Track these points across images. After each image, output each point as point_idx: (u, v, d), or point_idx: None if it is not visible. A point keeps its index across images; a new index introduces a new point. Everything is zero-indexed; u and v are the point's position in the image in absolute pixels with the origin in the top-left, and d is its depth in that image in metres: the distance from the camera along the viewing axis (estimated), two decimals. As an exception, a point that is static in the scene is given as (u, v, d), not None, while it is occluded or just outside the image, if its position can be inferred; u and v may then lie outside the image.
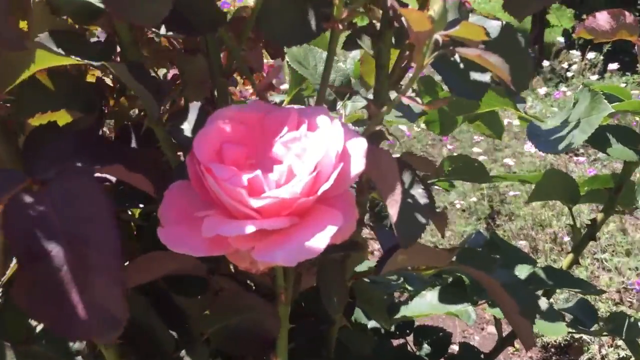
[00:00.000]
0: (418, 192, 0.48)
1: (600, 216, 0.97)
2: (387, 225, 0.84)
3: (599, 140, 0.87)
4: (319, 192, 0.39)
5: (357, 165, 0.42)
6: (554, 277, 0.96)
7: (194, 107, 0.55)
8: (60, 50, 0.44)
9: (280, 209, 0.40)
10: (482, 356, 1.09)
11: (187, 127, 0.53)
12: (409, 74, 0.50)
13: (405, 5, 0.41)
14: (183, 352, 0.53)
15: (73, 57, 0.43)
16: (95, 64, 0.43)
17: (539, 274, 0.96)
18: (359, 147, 0.42)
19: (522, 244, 2.23)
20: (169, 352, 0.53)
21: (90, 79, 0.58)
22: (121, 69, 0.42)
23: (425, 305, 0.93)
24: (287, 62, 0.73)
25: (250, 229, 0.38)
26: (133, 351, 0.54)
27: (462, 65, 0.54)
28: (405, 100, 0.42)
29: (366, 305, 0.80)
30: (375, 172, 0.45)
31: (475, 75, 0.54)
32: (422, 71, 0.42)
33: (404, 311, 0.94)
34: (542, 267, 0.99)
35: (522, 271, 0.96)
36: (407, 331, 1.06)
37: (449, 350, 1.12)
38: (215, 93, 0.55)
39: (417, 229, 0.46)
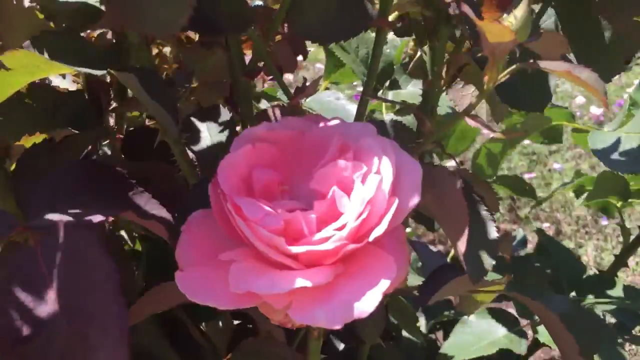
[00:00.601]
0: (482, 212, 0.41)
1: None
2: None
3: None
4: (370, 239, 0.32)
5: (412, 197, 0.35)
6: (603, 287, 0.89)
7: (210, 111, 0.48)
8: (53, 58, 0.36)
9: (323, 257, 0.33)
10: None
11: (204, 136, 0.46)
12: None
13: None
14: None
15: (69, 65, 0.36)
16: (97, 73, 0.36)
17: (588, 284, 0.88)
18: (413, 176, 0.35)
19: (546, 226, 2.15)
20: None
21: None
22: (131, 80, 0.34)
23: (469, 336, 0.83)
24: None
25: (288, 286, 0.31)
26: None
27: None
28: (471, 123, 0.35)
29: (397, 315, 0.74)
30: (432, 199, 0.38)
31: (535, 85, 0.46)
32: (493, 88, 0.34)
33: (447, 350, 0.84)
34: (590, 276, 0.92)
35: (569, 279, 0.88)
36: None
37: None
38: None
39: (488, 262, 0.39)
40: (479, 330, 0.83)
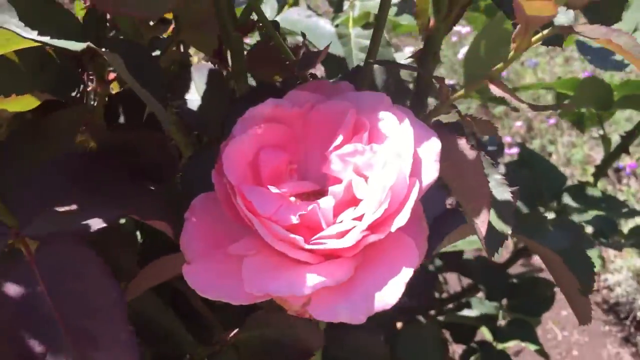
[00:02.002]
0: (496, 178, 0.39)
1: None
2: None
3: None
4: (393, 229, 0.30)
5: (430, 173, 0.32)
6: (584, 197, 0.90)
7: (199, 70, 0.44)
8: (25, 29, 0.32)
9: (342, 250, 0.31)
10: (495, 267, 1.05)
11: (194, 98, 0.42)
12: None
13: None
14: None
15: (45, 38, 0.32)
16: (76, 48, 0.32)
17: (569, 195, 0.89)
18: (431, 149, 0.33)
19: (518, 125, 2.16)
20: (191, 355, 0.46)
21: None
22: (116, 60, 0.30)
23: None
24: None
25: (308, 288, 0.29)
26: (151, 352, 0.47)
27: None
28: (496, 91, 0.32)
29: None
30: (448, 169, 0.36)
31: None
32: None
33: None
34: (571, 187, 0.92)
35: (551, 191, 0.89)
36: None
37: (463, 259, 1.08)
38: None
39: (504, 232, 0.37)
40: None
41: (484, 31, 0.76)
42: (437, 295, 1.13)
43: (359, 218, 0.30)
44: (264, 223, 0.30)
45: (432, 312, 1.04)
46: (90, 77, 0.40)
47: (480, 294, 1.07)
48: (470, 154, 0.35)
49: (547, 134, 2.14)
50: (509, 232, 0.37)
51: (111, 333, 0.26)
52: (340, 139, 0.32)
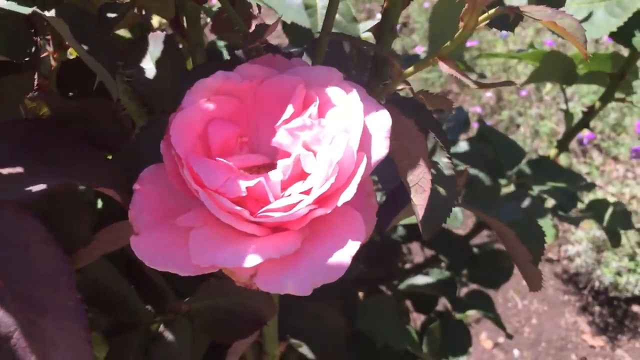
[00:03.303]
0: (443, 161, 0.39)
1: (598, 103, 0.91)
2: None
3: (622, 29, 0.75)
4: (339, 204, 0.31)
5: (380, 149, 0.33)
6: (544, 171, 0.91)
7: (155, 38, 0.43)
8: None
9: (289, 222, 0.31)
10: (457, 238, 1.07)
11: (149, 67, 0.42)
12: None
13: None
14: (162, 328, 0.46)
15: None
16: (24, 11, 0.31)
17: (529, 168, 0.91)
18: (381, 126, 0.33)
19: (488, 96, 2.18)
20: (145, 323, 0.47)
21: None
22: (63, 27, 0.30)
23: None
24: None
25: (254, 260, 0.29)
26: (104, 319, 0.48)
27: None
28: (446, 69, 0.32)
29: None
30: (397, 150, 0.36)
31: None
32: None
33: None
34: (531, 160, 0.94)
35: (510, 164, 0.90)
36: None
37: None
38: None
39: (444, 212, 0.38)
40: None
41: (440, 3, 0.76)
42: (400, 265, 1.15)
43: (307, 192, 0.31)
44: (211, 195, 0.30)
45: (395, 282, 1.06)
46: (47, 41, 0.40)
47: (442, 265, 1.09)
48: (418, 136, 0.36)
49: (516, 106, 2.16)
50: (451, 206, 0.38)
51: (58, 300, 0.26)
52: (289, 113, 0.32)
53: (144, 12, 0.55)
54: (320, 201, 0.31)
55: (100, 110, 0.40)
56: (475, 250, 1.08)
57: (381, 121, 0.33)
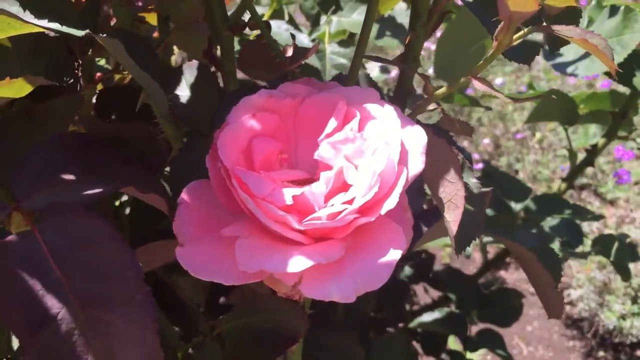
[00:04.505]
0: (472, 181, 0.41)
1: (601, 141, 0.93)
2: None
3: (623, 68, 0.78)
4: (382, 212, 0.32)
5: (416, 164, 0.34)
6: (550, 205, 0.92)
7: (190, 67, 0.45)
8: (26, 14, 0.33)
9: (333, 231, 0.32)
10: (466, 278, 1.07)
11: (183, 94, 0.44)
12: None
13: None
14: (191, 351, 0.46)
15: (46, 23, 0.33)
16: (77, 33, 0.33)
17: (534, 204, 0.92)
18: (418, 142, 0.34)
19: (486, 142, 2.21)
20: (175, 349, 0.47)
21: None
22: (117, 47, 0.31)
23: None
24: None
25: (301, 265, 0.30)
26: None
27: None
28: (478, 86, 0.34)
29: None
30: (428, 168, 0.37)
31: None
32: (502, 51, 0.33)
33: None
34: (537, 196, 0.95)
35: (517, 205, 0.92)
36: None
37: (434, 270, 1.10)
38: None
39: (475, 229, 0.39)
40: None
41: (451, 30, 0.79)
42: (407, 307, 1.15)
43: (350, 202, 0.32)
44: (259, 204, 0.31)
45: (401, 324, 1.06)
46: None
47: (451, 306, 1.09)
48: (451, 155, 0.37)
49: (513, 152, 2.20)
50: (482, 225, 0.39)
51: (124, 295, 0.27)
52: (331, 127, 0.34)
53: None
54: (363, 211, 0.32)
55: (139, 133, 0.41)
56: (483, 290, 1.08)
57: (417, 137, 0.34)
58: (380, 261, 0.32)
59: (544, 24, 0.32)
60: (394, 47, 0.87)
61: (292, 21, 0.92)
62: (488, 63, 0.34)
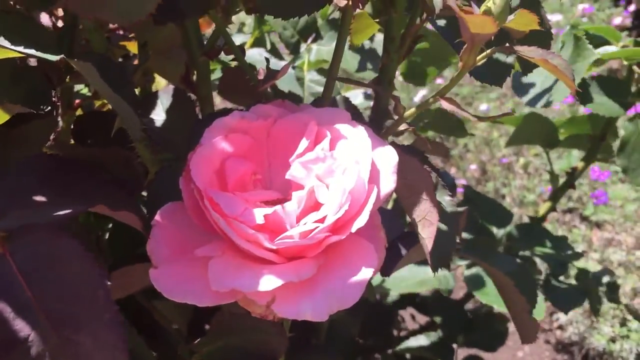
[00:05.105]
0: (445, 199, 0.41)
1: (581, 164, 0.94)
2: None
3: (580, 92, 0.82)
4: (353, 229, 0.32)
5: (388, 183, 0.35)
6: (533, 235, 0.93)
7: (166, 92, 0.46)
8: (3, 41, 0.34)
9: (305, 249, 0.33)
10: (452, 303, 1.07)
11: (159, 119, 0.44)
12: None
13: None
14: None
15: (22, 48, 0.33)
16: (52, 58, 0.34)
17: (517, 232, 0.92)
18: (388, 161, 0.35)
19: (473, 168, 2.23)
20: (153, 374, 0.47)
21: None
22: (90, 71, 0.32)
23: (406, 273, 0.87)
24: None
25: (273, 283, 0.30)
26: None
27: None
28: (447, 106, 0.34)
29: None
30: (402, 188, 0.38)
31: (496, 56, 0.46)
32: (467, 72, 0.34)
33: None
34: (519, 225, 0.95)
35: (499, 230, 0.92)
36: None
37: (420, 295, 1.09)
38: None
39: (449, 246, 0.40)
40: (414, 269, 0.87)
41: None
42: (394, 333, 1.14)
43: (321, 220, 0.32)
44: (231, 223, 0.32)
45: (390, 350, 1.06)
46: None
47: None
48: (424, 173, 0.38)
49: (500, 177, 2.21)
50: (453, 251, 0.39)
51: (93, 314, 0.27)
52: (302, 147, 0.34)
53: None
54: (334, 230, 0.33)
55: (116, 157, 0.41)
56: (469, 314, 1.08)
57: (388, 157, 0.35)
58: (353, 279, 0.32)
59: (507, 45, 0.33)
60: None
61: (275, 50, 0.93)
62: (455, 83, 0.34)
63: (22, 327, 0.27)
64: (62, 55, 0.34)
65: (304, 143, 0.34)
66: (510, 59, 0.47)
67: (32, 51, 0.34)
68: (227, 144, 0.34)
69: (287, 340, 0.44)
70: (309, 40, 0.86)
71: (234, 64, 0.69)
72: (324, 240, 0.32)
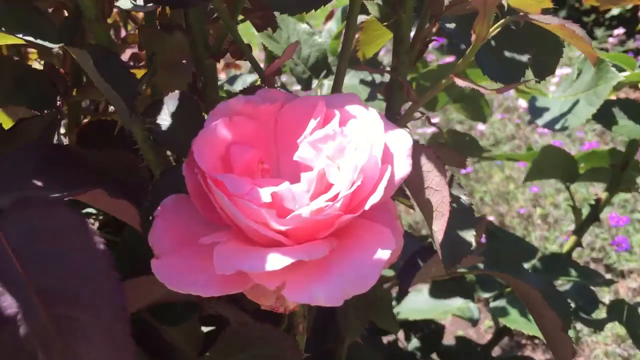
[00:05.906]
0: (460, 195, 0.39)
1: (604, 195, 0.91)
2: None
3: (604, 115, 0.80)
4: (367, 207, 0.30)
5: (403, 166, 0.33)
6: (559, 266, 0.89)
7: (172, 97, 0.45)
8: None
9: (316, 230, 0.30)
10: (478, 349, 1.03)
11: (165, 123, 0.43)
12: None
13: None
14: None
15: (22, 35, 0.32)
16: (50, 46, 0.33)
17: (542, 264, 0.89)
18: (403, 144, 0.33)
19: (492, 219, 2.19)
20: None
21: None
22: (84, 57, 0.31)
23: (423, 303, 0.85)
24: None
25: (282, 262, 0.28)
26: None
27: (493, 42, 0.44)
28: (460, 83, 0.33)
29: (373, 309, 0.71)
30: (414, 178, 0.36)
31: (511, 55, 0.45)
32: (482, 44, 0.33)
33: (401, 312, 0.86)
34: (545, 255, 0.92)
35: (524, 259, 0.89)
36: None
37: (444, 344, 1.05)
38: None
39: (464, 246, 0.37)
40: (431, 301, 0.85)
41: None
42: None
43: (333, 198, 0.30)
44: (236, 202, 0.30)
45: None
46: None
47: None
48: (437, 162, 0.36)
49: (519, 229, 2.17)
50: (468, 249, 0.37)
51: (91, 287, 0.25)
52: (311, 127, 0.33)
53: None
54: (347, 210, 0.31)
55: (120, 161, 0.40)
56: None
57: (402, 139, 0.33)
58: (368, 261, 0.30)
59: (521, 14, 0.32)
60: (383, 109, 0.88)
61: (284, 89, 0.93)
62: (470, 57, 0.33)
63: (9, 305, 0.24)
64: (59, 45, 0.33)
65: (312, 124, 0.33)
66: (524, 58, 0.45)
67: (31, 39, 0.33)
68: (231, 127, 0.33)
69: (301, 355, 0.41)
70: (321, 76, 0.86)
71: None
72: (336, 219, 0.30)
